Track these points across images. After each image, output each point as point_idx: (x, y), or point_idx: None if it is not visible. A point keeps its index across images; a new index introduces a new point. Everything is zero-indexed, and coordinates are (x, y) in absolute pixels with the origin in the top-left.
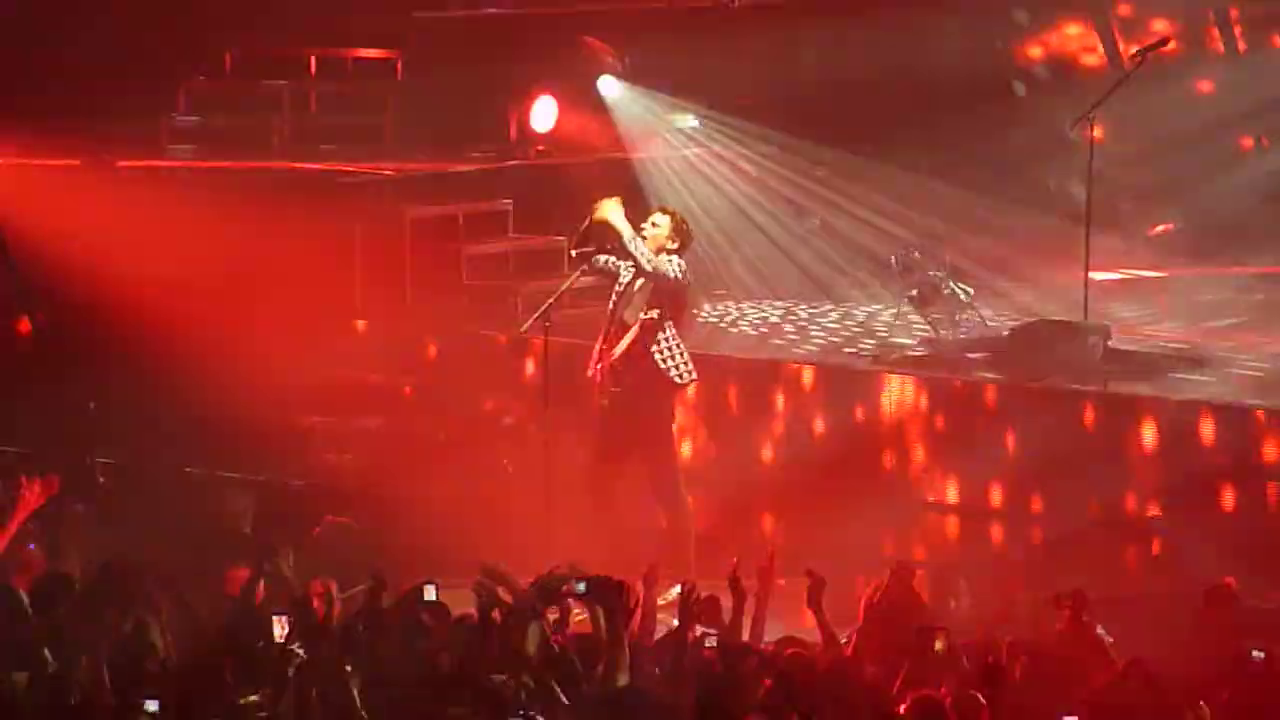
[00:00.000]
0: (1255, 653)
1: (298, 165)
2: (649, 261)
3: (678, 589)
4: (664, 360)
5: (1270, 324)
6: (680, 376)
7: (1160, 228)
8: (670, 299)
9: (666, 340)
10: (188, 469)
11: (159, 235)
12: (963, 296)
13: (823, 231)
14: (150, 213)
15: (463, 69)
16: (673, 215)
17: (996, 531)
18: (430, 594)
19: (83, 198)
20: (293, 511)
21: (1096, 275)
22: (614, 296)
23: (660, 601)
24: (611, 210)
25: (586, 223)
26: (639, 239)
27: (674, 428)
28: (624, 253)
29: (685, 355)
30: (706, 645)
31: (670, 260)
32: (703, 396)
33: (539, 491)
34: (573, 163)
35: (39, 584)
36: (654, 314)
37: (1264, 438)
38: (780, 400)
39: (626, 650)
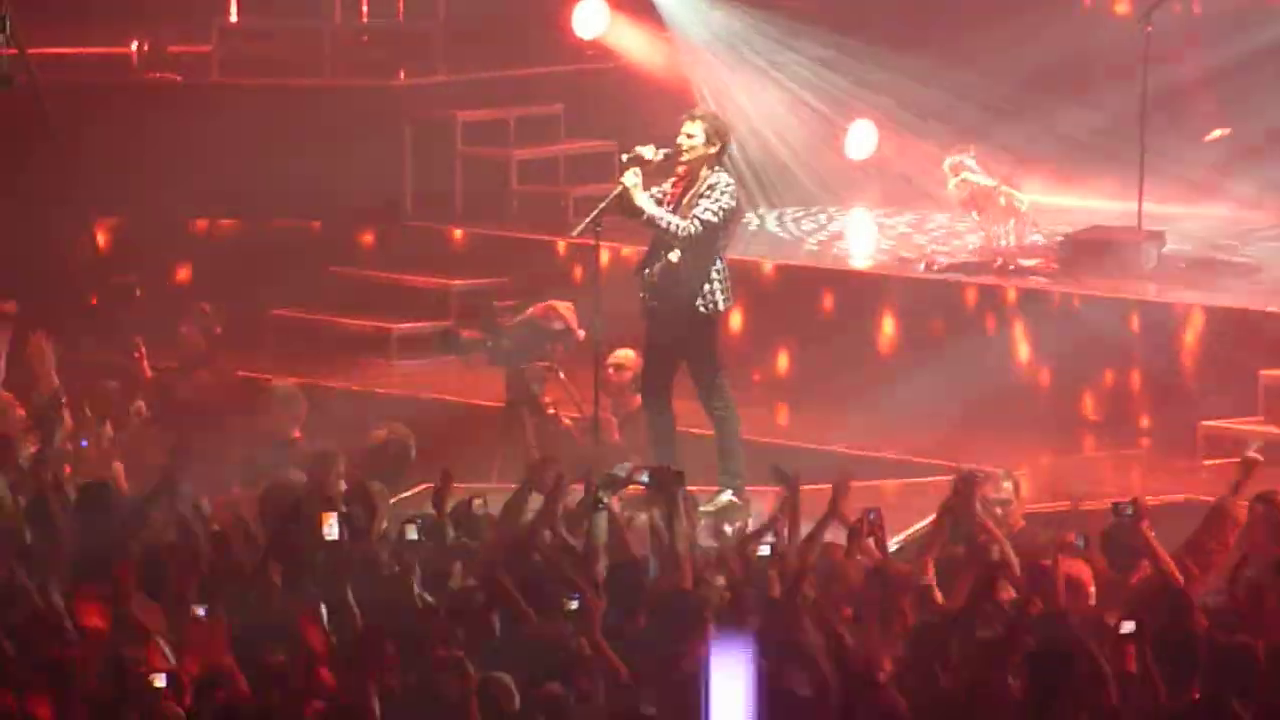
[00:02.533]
0: None
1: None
2: (683, 230)
3: (726, 496)
4: (695, 295)
5: None
6: (706, 308)
7: (1217, 133)
8: (709, 235)
9: (705, 271)
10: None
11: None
12: (1017, 203)
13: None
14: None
15: None
16: (703, 119)
17: (1051, 438)
18: (478, 507)
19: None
20: (342, 417)
21: (1152, 181)
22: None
23: (709, 508)
24: (635, 189)
25: (605, 202)
26: (666, 215)
27: (715, 349)
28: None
29: (722, 283)
30: (759, 553)
31: (712, 199)
32: (752, 303)
33: (589, 396)
34: (624, 67)
35: (85, 489)
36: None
37: None
38: (831, 306)
39: (686, 546)
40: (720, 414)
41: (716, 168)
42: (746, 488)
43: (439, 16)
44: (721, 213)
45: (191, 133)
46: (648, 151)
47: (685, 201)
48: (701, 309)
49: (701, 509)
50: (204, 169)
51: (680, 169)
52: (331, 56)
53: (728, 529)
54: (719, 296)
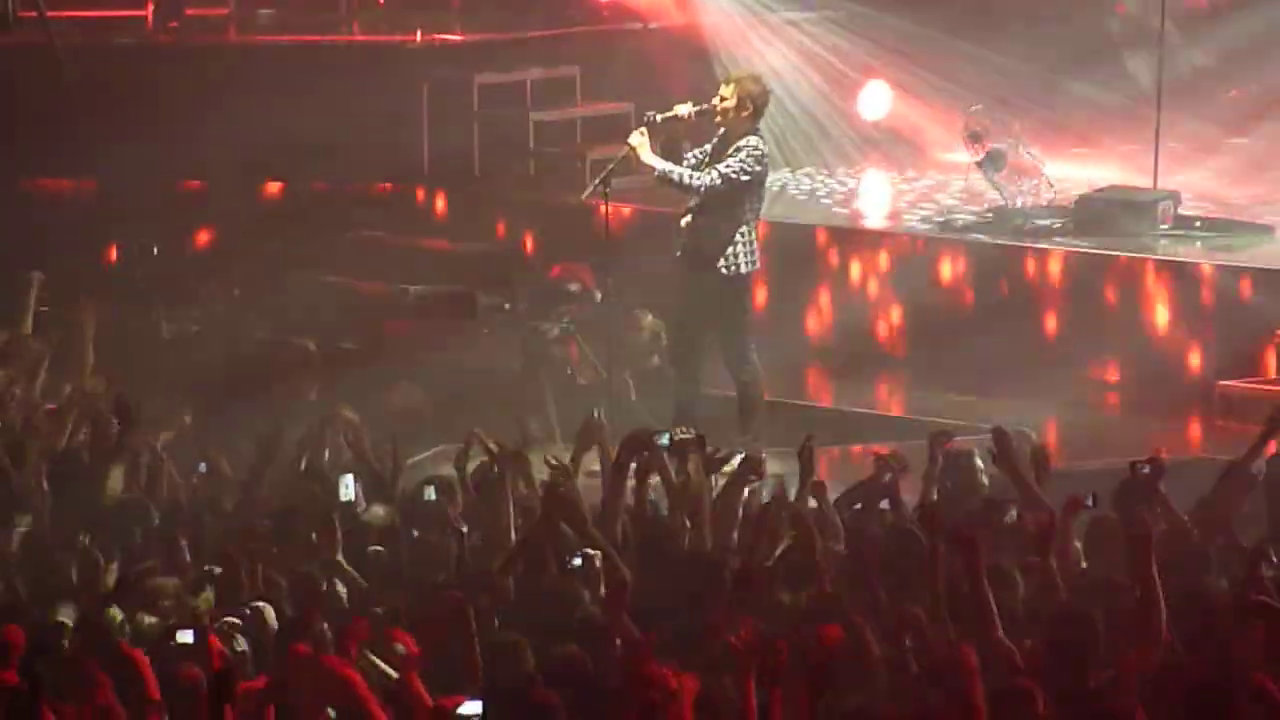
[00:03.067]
0: None
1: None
2: (698, 182)
3: (739, 457)
4: (718, 256)
5: None
6: (729, 269)
7: (1234, 92)
8: (734, 194)
9: (730, 232)
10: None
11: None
12: (1031, 162)
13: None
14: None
15: None
16: (738, 82)
17: (1066, 397)
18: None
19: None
20: (356, 378)
21: (1169, 143)
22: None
23: (725, 470)
24: (641, 147)
25: (613, 164)
26: (678, 169)
27: (742, 310)
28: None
29: (746, 246)
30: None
31: (737, 158)
32: (773, 265)
33: (603, 356)
34: (640, 30)
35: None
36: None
37: None
38: (851, 267)
39: (707, 508)
40: (743, 379)
41: (752, 132)
42: (764, 451)
43: None
44: (744, 173)
45: (207, 93)
46: (683, 109)
47: (719, 159)
48: (724, 270)
49: (724, 470)
50: (219, 129)
51: (719, 130)
52: (347, 17)
53: (745, 491)
54: (741, 259)
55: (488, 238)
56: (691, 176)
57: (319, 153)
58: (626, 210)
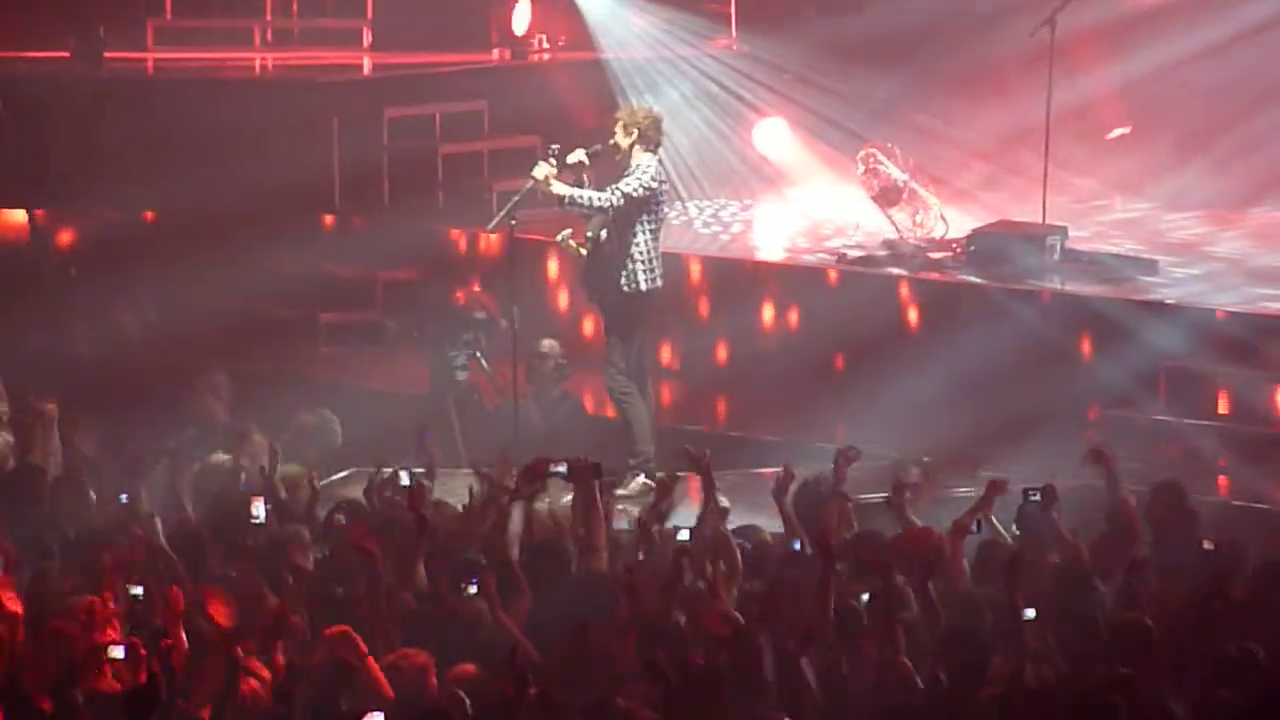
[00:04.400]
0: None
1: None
2: (602, 201)
3: (639, 479)
4: (618, 272)
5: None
6: (628, 286)
7: (1118, 131)
8: (630, 213)
9: (626, 249)
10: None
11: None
12: (925, 198)
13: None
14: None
15: None
16: (621, 116)
17: (950, 422)
18: (404, 479)
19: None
20: (269, 401)
21: (1056, 177)
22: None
23: (620, 492)
24: (548, 179)
25: (519, 197)
26: (584, 192)
27: (631, 330)
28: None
29: (645, 263)
30: (678, 539)
31: (633, 176)
32: (667, 293)
33: (509, 383)
34: (545, 65)
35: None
36: (604, 232)
37: (1212, 334)
38: (743, 297)
39: (602, 533)
40: (627, 396)
41: (646, 152)
42: (659, 472)
43: (367, 15)
44: (641, 189)
45: (128, 127)
46: (580, 154)
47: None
48: (625, 287)
49: (617, 493)
50: (140, 163)
51: (622, 166)
52: (262, 53)
53: (636, 511)
54: (640, 276)
55: (396, 266)
56: (598, 197)
57: (231, 182)
58: (531, 240)
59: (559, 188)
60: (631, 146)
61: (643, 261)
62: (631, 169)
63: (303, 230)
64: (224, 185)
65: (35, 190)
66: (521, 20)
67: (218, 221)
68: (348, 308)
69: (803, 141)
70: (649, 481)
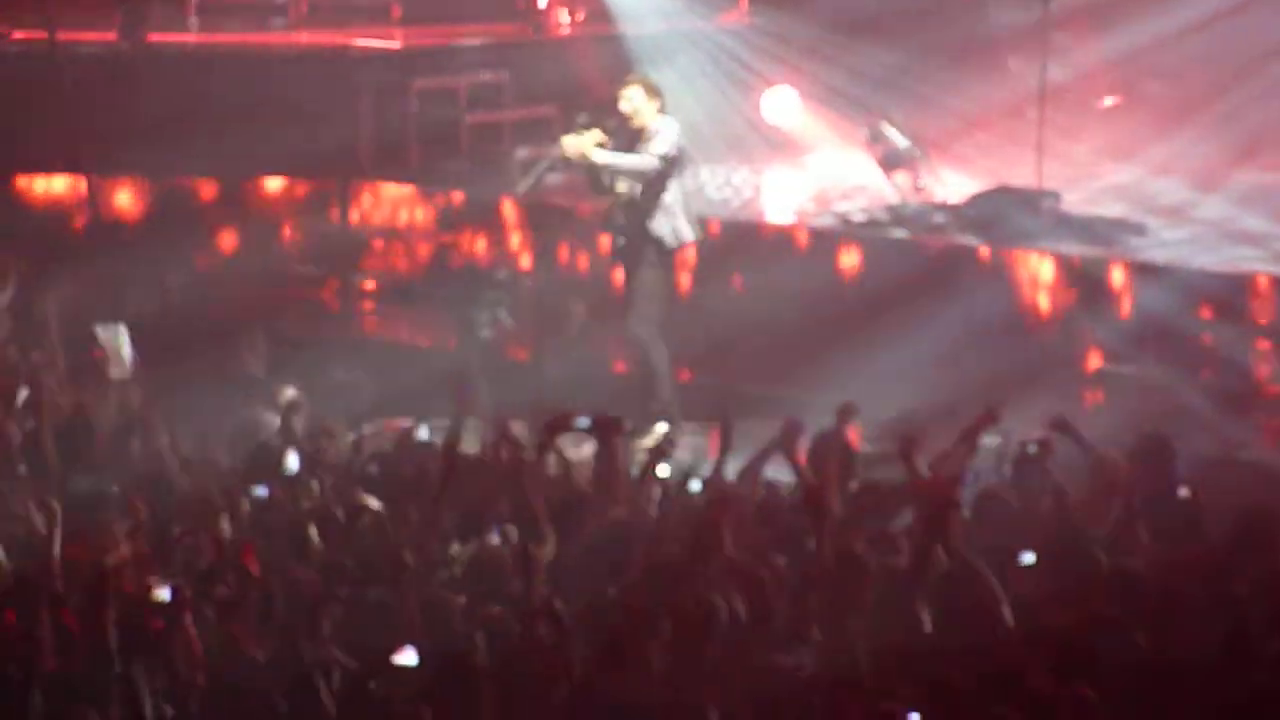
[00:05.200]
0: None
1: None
2: (644, 164)
3: (662, 428)
4: (661, 228)
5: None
6: (673, 240)
7: (1109, 100)
8: (665, 171)
9: (666, 205)
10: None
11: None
12: (927, 166)
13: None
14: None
15: None
16: (637, 83)
17: (950, 379)
18: (423, 433)
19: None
20: (303, 358)
21: (1050, 144)
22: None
23: (643, 442)
24: (587, 148)
25: (547, 164)
26: (623, 157)
27: (663, 283)
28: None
29: (686, 215)
30: (690, 489)
31: (661, 138)
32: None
33: (532, 341)
34: (566, 38)
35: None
36: (639, 189)
37: (1198, 293)
38: (755, 259)
39: (624, 484)
40: (656, 346)
41: (661, 113)
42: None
43: None
44: (673, 147)
45: (171, 99)
46: (594, 132)
47: (638, 152)
48: (671, 241)
49: (640, 443)
50: (183, 132)
51: (635, 129)
52: (295, 24)
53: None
54: (684, 228)
55: (424, 229)
56: (639, 161)
57: (268, 150)
58: (555, 204)
59: (600, 155)
60: (653, 108)
61: (684, 214)
62: (653, 131)
63: (336, 195)
64: (262, 153)
65: (87, 158)
66: None
67: (255, 187)
68: (377, 268)
69: (810, 110)
70: (669, 430)
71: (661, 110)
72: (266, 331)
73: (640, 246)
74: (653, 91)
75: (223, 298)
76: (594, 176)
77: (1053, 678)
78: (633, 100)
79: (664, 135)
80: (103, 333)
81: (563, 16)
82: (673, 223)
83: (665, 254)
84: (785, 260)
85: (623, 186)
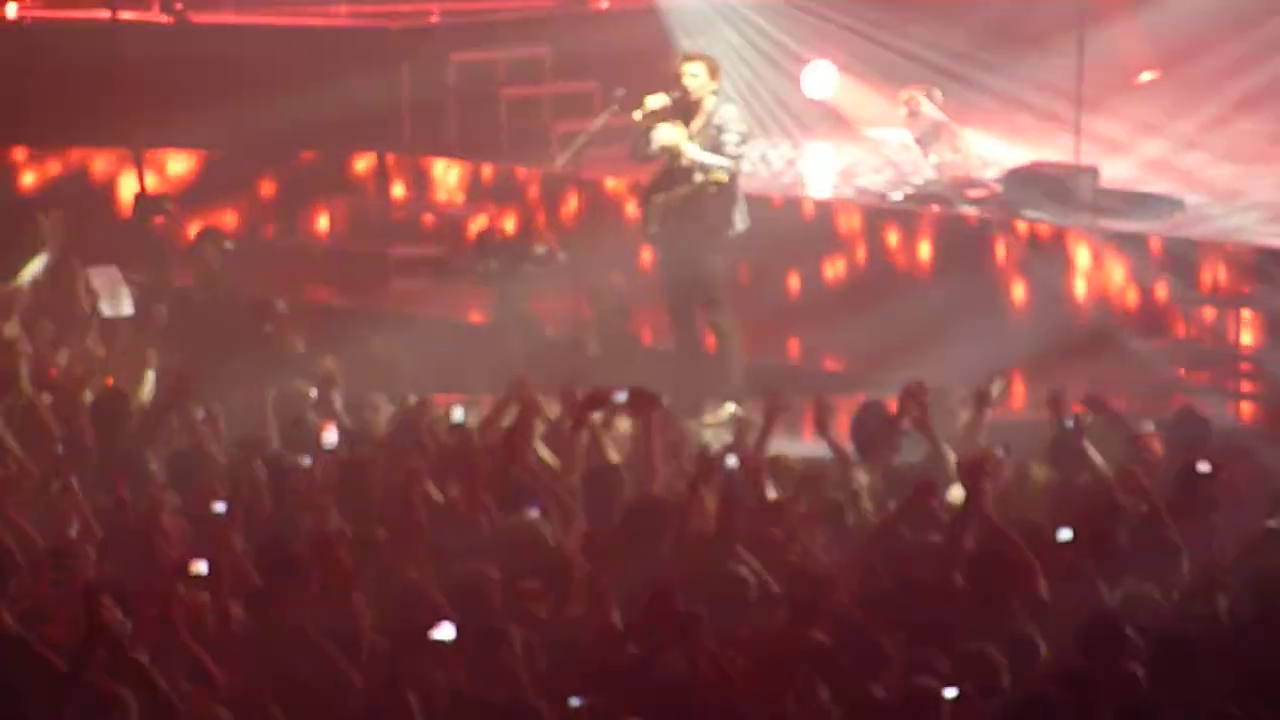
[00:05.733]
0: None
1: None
2: (730, 167)
3: (730, 408)
4: (720, 217)
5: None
6: (731, 229)
7: (1147, 75)
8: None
9: (734, 192)
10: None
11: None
12: (964, 141)
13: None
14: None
15: None
16: (700, 59)
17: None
18: (458, 415)
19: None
20: (341, 332)
21: (1088, 119)
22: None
23: (709, 420)
24: (680, 142)
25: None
26: (710, 159)
27: (723, 269)
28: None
29: (741, 206)
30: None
31: (732, 131)
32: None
33: (571, 315)
34: (605, 12)
35: (101, 399)
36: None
37: (1229, 267)
38: (793, 234)
39: (660, 459)
40: (722, 329)
41: (716, 98)
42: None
43: None
44: (745, 137)
45: (213, 74)
46: (657, 100)
47: (697, 130)
48: (740, 225)
49: (705, 419)
50: (224, 106)
51: (693, 103)
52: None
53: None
54: (748, 213)
55: (462, 203)
56: (725, 162)
57: (309, 123)
58: (594, 179)
59: (692, 150)
60: (714, 83)
61: (741, 204)
62: (725, 121)
63: (375, 169)
64: (302, 126)
65: (130, 132)
66: None
67: (295, 160)
68: (415, 243)
69: (848, 84)
70: (738, 412)
71: (717, 92)
72: (305, 304)
73: (713, 232)
74: (715, 70)
75: (263, 270)
76: (636, 145)
77: (1087, 655)
78: (697, 77)
79: (733, 125)
80: (96, 274)
81: None
82: (738, 210)
83: (732, 240)
84: (822, 235)
85: (698, 176)
